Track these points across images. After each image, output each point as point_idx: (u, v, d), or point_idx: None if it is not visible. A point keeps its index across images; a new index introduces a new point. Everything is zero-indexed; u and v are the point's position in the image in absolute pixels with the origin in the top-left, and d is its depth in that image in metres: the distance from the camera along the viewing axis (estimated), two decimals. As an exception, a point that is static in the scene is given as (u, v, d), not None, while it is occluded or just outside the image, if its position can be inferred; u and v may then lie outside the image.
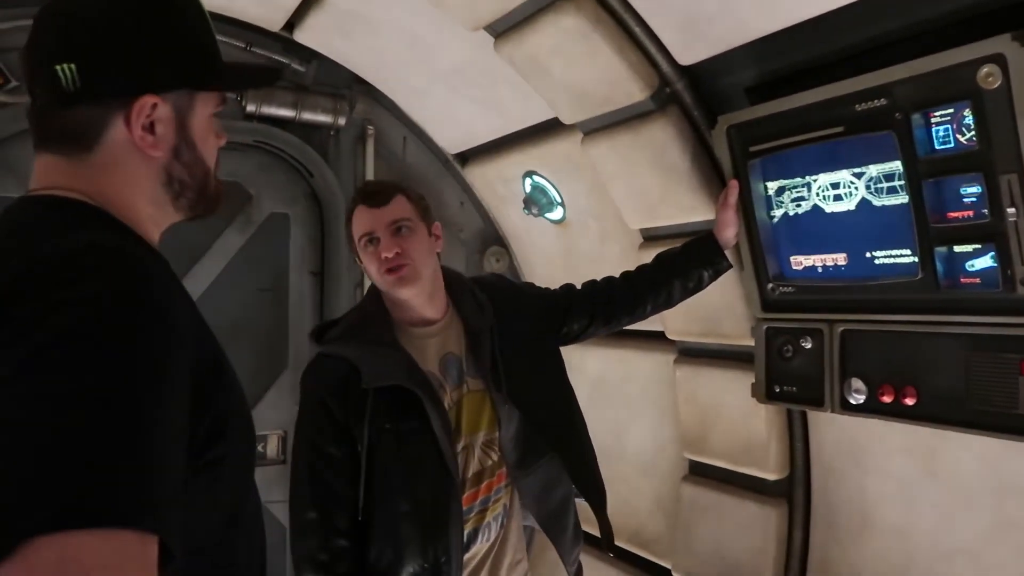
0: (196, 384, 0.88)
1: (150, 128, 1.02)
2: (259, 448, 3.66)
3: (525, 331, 2.07)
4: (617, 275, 2.29)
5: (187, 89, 1.06)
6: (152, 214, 1.08)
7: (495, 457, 1.98)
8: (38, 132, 1.05)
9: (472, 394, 1.95)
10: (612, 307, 2.22)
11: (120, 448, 0.73)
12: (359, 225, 1.91)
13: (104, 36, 1.00)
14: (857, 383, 2.03)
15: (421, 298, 1.93)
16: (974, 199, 1.68)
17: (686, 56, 2.28)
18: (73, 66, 0.97)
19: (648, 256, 2.70)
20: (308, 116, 3.55)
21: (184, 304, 0.93)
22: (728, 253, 2.23)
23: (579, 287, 2.27)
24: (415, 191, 2.00)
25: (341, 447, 1.81)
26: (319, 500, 1.81)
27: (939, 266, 1.77)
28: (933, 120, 1.71)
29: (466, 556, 1.92)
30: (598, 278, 2.32)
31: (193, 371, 0.88)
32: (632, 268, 2.33)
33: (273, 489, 3.69)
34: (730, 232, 2.21)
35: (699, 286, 2.23)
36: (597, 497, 2.12)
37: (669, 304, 2.27)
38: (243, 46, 3.30)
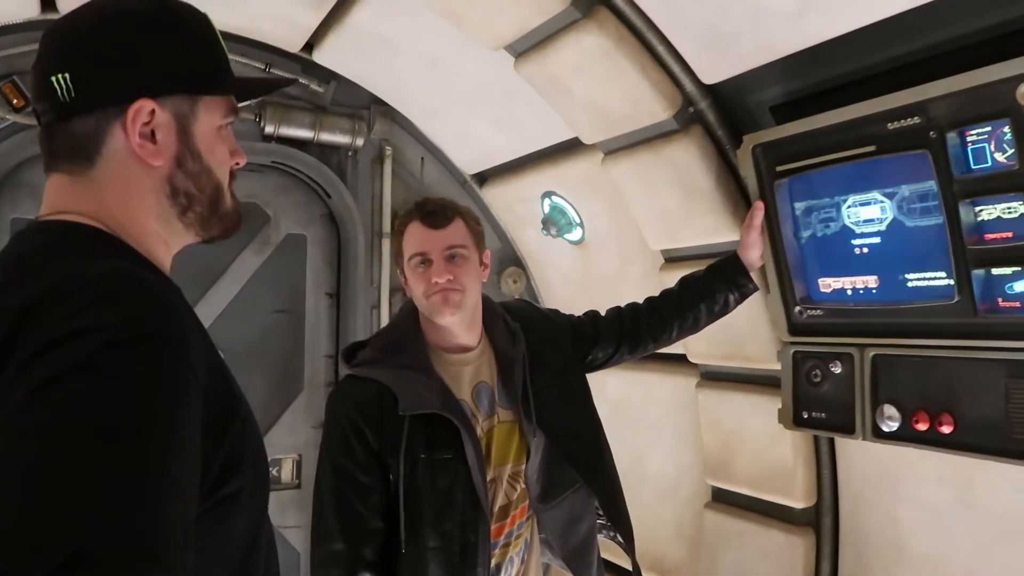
0: (210, 418, 0.85)
1: (151, 136, 0.98)
2: (273, 472, 3.61)
3: (555, 360, 2.02)
4: (640, 300, 2.25)
5: (186, 94, 1.01)
6: (160, 232, 1.04)
7: (520, 489, 1.92)
8: (45, 152, 1.02)
9: (502, 425, 1.90)
10: (638, 334, 2.17)
11: (129, 490, 0.69)
12: (413, 243, 1.85)
13: (97, 43, 0.98)
14: (890, 410, 1.96)
15: (462, 326, 1.88)
16: (1014, 220, 1.62)
17: (710, 75, 2.24)
18: (67, 75, 0.95)
19: (670, 277, 2.66)
20: (326, 137, 3.54)
21: (198, 334, 0.89)
22: (753, 276, 2.18)
23: (603, 313, 2.22)
24: (473, 215, 1.94)
25: (371, 476, 1.74)
26: (348, 532, 1.73)
27: (977, 289, 1.72)
28: (970, 139, 1.67)
29: None
30: (618, 300, 2.28)
31: (207, 404, 0.84)
32: (652, 290, 2.29)
33: (287, 514, 3.65)
34: (755, 254, 2.15)
35: (725, 309, 2.18)
36: (625, 530, 2.05)
37: (696, 328, 2.21)
38: (262, 67, 3.30)
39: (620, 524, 2.04)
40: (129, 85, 0.97)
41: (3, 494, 0.67)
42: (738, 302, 2.18)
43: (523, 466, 1.91)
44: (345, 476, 1.75)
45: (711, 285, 2.16)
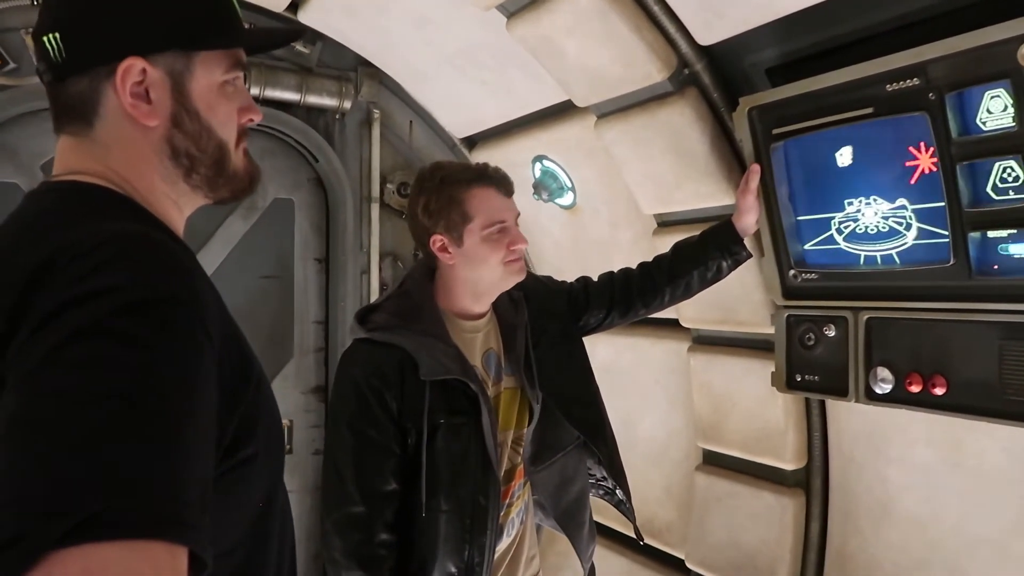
0: (225, 381, 0.84)
1: (144, 95, 0.95)
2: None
3: (554, 327, 2.04)
4: (632, 265, 2.25)
5: (179, 50, 0.97)
6: (168, 193, 1.01)
7: (521, 453, 1.96)
8: (52, 113, 1.00)
9: (507, 391, 1.93)
10: (629, 298, 2.18)
11: (147, 452, 0.68)
12: (491, 210, 1.82)
13: (85, 1, 0.96)
14: (883, 372, 1.98)
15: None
16: (1011, 182, 1.62)
17: (706, 36, 2.21)
18: (57, 35, 0.93)
19: (663, 242, 2.66)
20: (313, 99, 3.48)
21: (211, 297, 0.88)
22: (747, 240, 2.18)
23: (595, 279, 2.23)
24: None
25: (390, 439, 1.75)
26: (368, 494, 1.73)
27: (972, 252, 1.72)
28: (969, 101, 1.65)
29: (509, 540, 1.93)
30: (609, 265, 2.28)
31: (221, 368, 0.83)
32: (644, 255, 2.29)
33: (279, 479, 3.65)
34: (750, 219, 2.14)
35: (718, 276, 2.18)
36: (626, 487, 2.11)
37: (688, 295, 2.21)
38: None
39: (621, 482, 2.10)
40: (118, 43, 0.94)
41: (20, 455, 0.66)
42: (731, 269, 2.18)
43: (524, 431, 1.95)
44: (363, 438, 1.75)
45: (704, 252, 2.16)
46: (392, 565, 1.75)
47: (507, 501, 1.92)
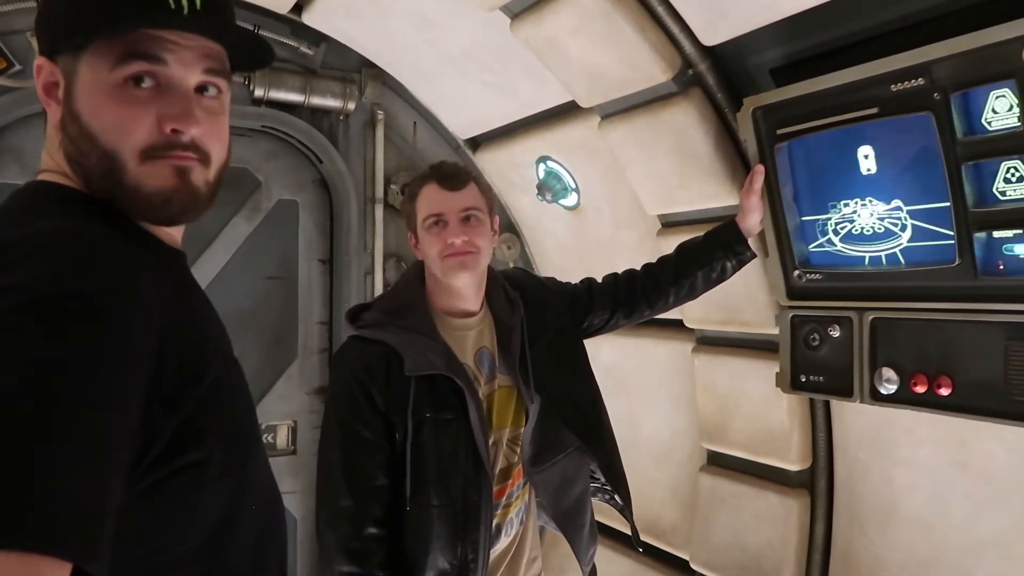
0: (163, 383, 0.80)
1: (57, 96, 0.95)
2: (268, 439, 3.61)
3: (553, 327, 2.04)
4: (636, 266, 2.25)
5: (67, 52, 0.92)
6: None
7: (518, 453, 1.96)
8: None
9: (502, 389, 1.93)
10: (634, 299, 2.18)
11: (17, 459, 0.64)
12: (429, 204, 1.86)
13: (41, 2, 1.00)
14: (888, 372, 1.97)
15: (471, 288, 1.91)
16: (1016, 182, 1.62)
17: (710, 36, 2.21)
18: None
19: (667, 243, 2.65)
20: (317, 101, 3.49)
21: (159, 294, 0.83)
22: (750, 241, 2.18)
23: (599, 280, 2.23)
24: (485, 181, 1.98)
25: (378, 434, 1.77)
26: (355, 488, 1.76)
27: (978, 252, 1.72)
28: (974, 101, 1.65)
29: (506, 541, 1.92)
30: (613, 266, 2.28)
31: (161, 368, 0.80)
32: (648, 256, 2.29)
33: (283, 480, 3.65)
34: (754, 219, 2.14)
35: (722, 276, 2.18)
36: (624, 492, 2.09)
37: (692, 295, 2.21)
38: (251, 28, 3.23)
39: (619, 487, 2.08)
40: (44, 44, 0.97)
41: None
42: (735, 269, 2.18)
43: (521, 430, 1.95)
44: (352, 434, 1.78)
45: (709, 252, 2.16)
46: (381, 560, 1.75)
47: (503, 500, 1.92)
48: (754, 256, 2.17)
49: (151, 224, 0.97)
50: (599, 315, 2.16)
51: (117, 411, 0.74)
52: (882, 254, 1.94)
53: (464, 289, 1.89)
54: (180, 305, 0.90)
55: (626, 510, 2.10)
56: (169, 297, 0.87)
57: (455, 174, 1.88)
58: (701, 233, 2.23)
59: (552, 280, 2.25)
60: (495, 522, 1.89)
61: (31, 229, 0.81)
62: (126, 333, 0.76)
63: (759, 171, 2.11)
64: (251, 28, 3.21)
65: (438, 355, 1.80)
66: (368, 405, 1.77)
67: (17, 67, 2.92)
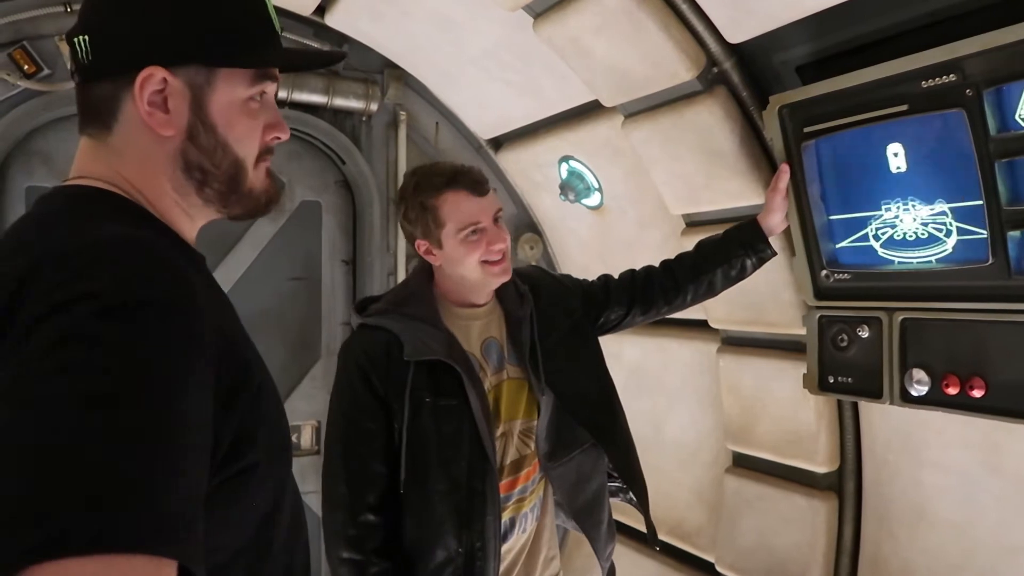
0: (221, 388, 0.82)
1: (163, 105, 0.95)
2: (293, 439, 3.63)
3: (564, 321, 2.04)
4: (656, 264, 2.23)
5: (201, 64, 0.96)
6: (179, 202, 1.01)
7: (532, 446, 1.95)
8: (78, 113, 1.01)
9: (512, 381, 1.93)
10: (650, 296, 2.16)
11: (128, 460, 0.66)
12: (464, 213, 1.83)
13: (112, 6, 0.96)
14: (919, 374, 1.94)
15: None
16: (1052, 180, 1.59)
17: (735, 34, 2.19)
18: (86, 37, 0.94)
19: (690, 243, 2.63)
20: (340, 102, 3.50)
21: (211, 301, 0.86)
22: (776, 240, 2.15)
23: (616, 276, 2.22)
24: None
25: (377, 422, 1.80)
26: (351, 475, 1.79)
27: (1012, 251, 1.68)
28: (1008, 97, 1.62)
29: (503, 547, 1.89)
30: (636, 266, 2.26)
31: (218, 378, 0.81)
32: (672, 256, 2.26)
33: (307, 479, 3.67)
34: (777, 217, 2.12)
35: (741, 274, 2.16)
36: (640, 490, 2.08)
37: (711, 293, 2.20)
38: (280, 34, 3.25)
39: (634, 485, 2.07)
40: (141, 51, 0.94)
41: (1, 464, 0.64)
42: (755, 267, 2.16)
43: (534, 423, 1.95)
44: (351, 422, 1.82)
45: (728, 249, 2.14)
46: (377, 546, 1.78)
47: (516, 493, 1.92)
48: (774, 254, 2.15)
49: (237, 220, 1.07)
50: (615, 311, 2.16)
51: (201, 416, 0.77)
52: (914, 260, 1.91)
53: (494, 290, 1.94)
54: (220, 309, 0.92)
55: (641, 507, 2.09)
56: (212, 301, 0.89)
57: (483, 179, 1.89)
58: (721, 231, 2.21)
59: (567, 277, 2.25)
60: (509, 516, 1.90)
61: (98, 235, 0.82)
62: (199, 338, 0.79)
63: (784, 170, 2.08)
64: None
65: (438, 342, 1.82)
66: (367, 392, 1.79)
67: (46, 71, 2.96)
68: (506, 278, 1.90)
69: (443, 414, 1.80)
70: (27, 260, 0.78)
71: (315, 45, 3.39)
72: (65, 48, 1.03)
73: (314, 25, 3.36)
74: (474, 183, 1.86)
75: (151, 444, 0.68)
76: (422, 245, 1.89)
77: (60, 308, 0.71)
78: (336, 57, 1.18)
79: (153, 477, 0.67)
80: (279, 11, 3.26)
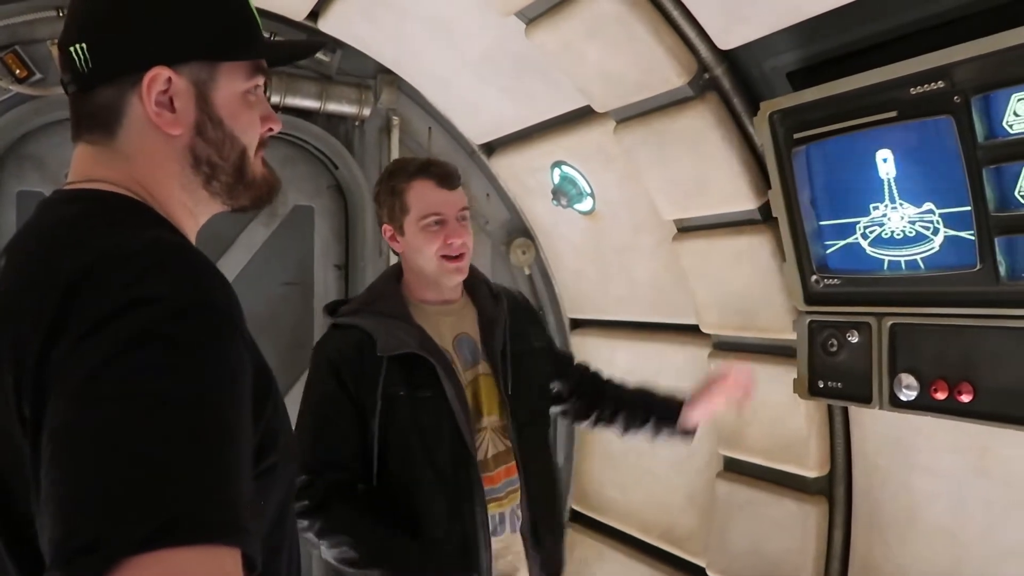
0: (257, 393, 0.85)
1: (169, 104, 0.96)
2: (285, 443, 3.62)
3: (534, 344, 2.09)
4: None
5: (203, 60, 0.98)
6: (186, 202, 1.02)
7: (508, 444, 1.96)
8: (72, 122, 1.01)
9: (485, 377, 1.95)
10: (589, 405, 2.24)
11: (209, 457, 0.70)
12: (428, 203, 1.88)
13: (112, 11, 0.97)
14: (908, 379, 1.95)
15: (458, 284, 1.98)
16: (1040, 186, 1.60)
17: (726, 40, 2.20)
18: (84, 45, 0.95)
19: (683, 248, 2.66)
20: (333, 107, 3.50)
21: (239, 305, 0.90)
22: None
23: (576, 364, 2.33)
24: None
25: (347, 419, 1.80)
26: (319, 464, 1.78)
27: (1000, 256, 1.69)
28: (995, 104, 1.63)
29: (497, 542, 1.90)
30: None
31: (252, 378, 0.84)
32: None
33: (299, 484, 3.66)
34: (701, 415, 2.15)
35: (651, 439, 2.20)
36: (535, 535, 1.96)
37: (614, 428, 2.24)
38: (266, 35, 3.25)
39: (537, 524, 1.97)
40: (144, 53, 0.95)
41: (88, 462, 0.67)
42: (664, 441, 2.20)
43: (507, 422, 1.95)
44: (320, 417, 1.82)
45: (652, 424, 2.19)
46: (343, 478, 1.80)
47: (499, 487, 1.92)
48: (687, 441, 2.19)
49: (243, 211, 1.11)
50: (564, 386, 2.23)
51: (249, 418, 0.80)
52: (902, 260, 1.92)
53: (455, 287, 1.98)
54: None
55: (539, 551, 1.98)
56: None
57: (452, 173, 1.93)
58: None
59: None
60: (498, 509, 1.91)
61: (149, 238, 0.84)
62: (246, 341, 0.83)
63: (747, 382, 2.13)
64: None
65: (411, 336, 1.83)
66: (337, 388, 1.80)
67: (38, 75, 2.95)
68: (461, 277, 1.93)
69: (420, 406, 1.82)
70: (79, 261, 0.78)
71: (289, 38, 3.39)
72: (56, 52, 1.02)
73: (307, 30, 3.36)
74: (444, 175, 1.91)
75: (225, 443, 0.72)
76: (388, 230, 1.95)
77: (128, 309, 0.73)
78: (315, 46, 1.24)
79: (227, 474, 0.71)
80: (273, 16, 3.26)
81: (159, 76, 0.94)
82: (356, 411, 1.81)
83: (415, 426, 1.81)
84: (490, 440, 1.93)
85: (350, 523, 1.77)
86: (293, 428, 1.81)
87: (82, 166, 1.00)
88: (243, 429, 0.76)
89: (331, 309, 1.99)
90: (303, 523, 1.75)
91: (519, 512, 1.96)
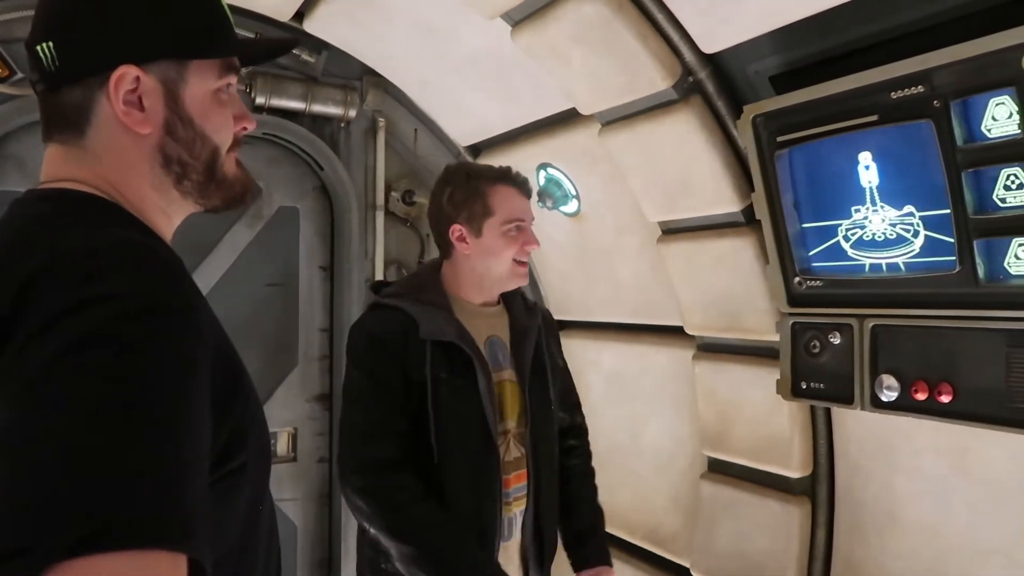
0: (216, 391, 0.83)
1: (137, 103, 0.95)
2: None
3: (555, 361, 2.14)
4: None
5: (172, 59, 0.97)
6: (158, 202, 1.01)
7: (523, 451, 1.98)
8: (42, 122, 1.00)
9: (511, 383, 1.98)
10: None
11: (148, 460, 0.68)
12: (513, 208, 1.95)
13: (79, 10, 0.95)
14: (889, 380, 1.97)
15: None
16: (1016, 189, 1.62)
17: (710, 44, 2.22)
18: (51, 44, 0.93)
19: (668, 249, 2.67)
20: (318, 108, 3.50)
21: (204, 306, 0.88)
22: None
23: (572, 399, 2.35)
24: None
25: (397, 381, 1.82)
26: (378, 430, 1.81)
27: (979, 259, 1.72)
28: (973, 108, 1.65)
29: (506, 545, 1.93)
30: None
31: (214, 377, 0.83)
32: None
33: (284, 487, 3.66)
34: None
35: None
36: (538, 547, 2.03)
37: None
38: (251, 35, 3.24)
39: (542, 535, 2.03)
40: (111, 52, 0.94)
41: (22, 466, 0.65)
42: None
43: (524, 430, 1.98)
44: (373, 380, 1.84)
45: (566, 538, 2.21)
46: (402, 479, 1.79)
47: (512, 491, 1.94)
48: None
49: (216, 212, 1.09)
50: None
51: (204, 419, 0.79)
52: (883, 262, 1.94)
53: (517, 295, 2.09)
54: (211, 313, 0.92)
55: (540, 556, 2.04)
56: (206, 306, 0.90)
57: (529, 184, 2.01)
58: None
59: None
60: (511, 512, 1.94)
61: (105, 238, 0.82)
62: (206, 342, 0.82)
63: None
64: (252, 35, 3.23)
65: (451, 325, 1.87)
66: (389, 356, 1.83)
67: (19, 75, 2.93)
68: (525, 282, 2.02)
69: (456, 393, 1.85)
70: (33, 263, 0.77)
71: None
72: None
73: (292, 31, 3.35)
74: (524, 184, 1.99)
75: (172, 447, 0.70)
76: (457, 230, 1.95)
77: (76, 309, 0.72)
78: (290, 44, 1.20)
79: (169, 478, 0.69)
80: (258, 17, 3.24)
81: (126, 75, 0.93)
82: (406, 382, 1.82)
83: (452, 410, 1.85)
84: (508, 444, 1.95)
85: (425, 528, 1.79)
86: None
87: (53, 166, 0.99)
88: (195, 431, 0.75)
89: (376, 287, 2.03)
90: (370, 528, 1.80)
91: (523, 520, 1.99)
